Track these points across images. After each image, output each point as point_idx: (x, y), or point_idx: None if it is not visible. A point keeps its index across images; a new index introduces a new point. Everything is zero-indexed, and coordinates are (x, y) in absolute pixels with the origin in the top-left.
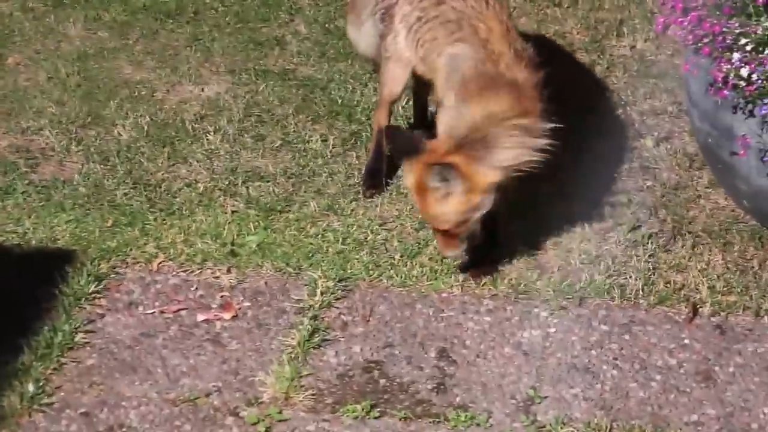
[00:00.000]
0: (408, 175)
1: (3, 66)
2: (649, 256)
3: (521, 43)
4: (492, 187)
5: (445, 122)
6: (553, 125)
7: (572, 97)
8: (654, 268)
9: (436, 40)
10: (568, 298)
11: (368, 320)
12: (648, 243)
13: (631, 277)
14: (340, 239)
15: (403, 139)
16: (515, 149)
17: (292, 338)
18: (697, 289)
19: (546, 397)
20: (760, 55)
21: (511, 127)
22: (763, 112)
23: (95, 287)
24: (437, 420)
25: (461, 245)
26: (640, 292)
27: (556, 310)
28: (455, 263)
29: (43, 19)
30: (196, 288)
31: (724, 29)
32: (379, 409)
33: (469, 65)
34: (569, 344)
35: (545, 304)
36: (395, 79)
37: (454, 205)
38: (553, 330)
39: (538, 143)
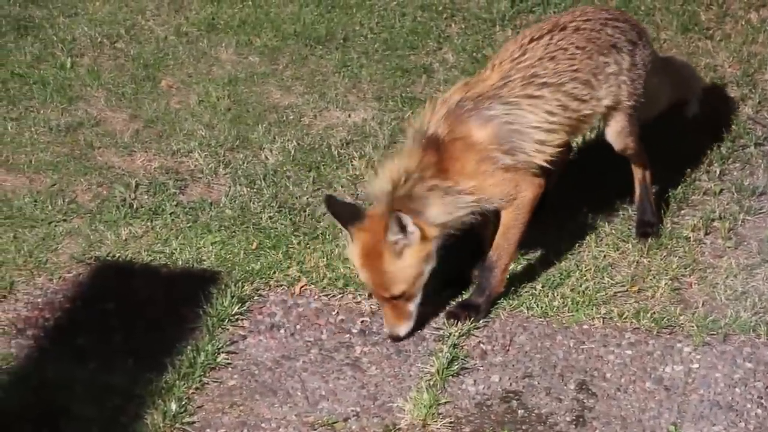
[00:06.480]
0: (354, 242)
1: (156, 88)
2: None
3: (489, 102)
4: (437, 239)
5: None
6: (471, 185)
7: (722, 130)
8: None
9: None
10: (712, 334)
11: (508, 350)
12: None
13: None
14: None
15: (344, 206)
16: (440, 207)
17: (431, 365)
18: None
19: None
20: None
21: (429, 186)
22: None
23: (238, 309)
24: None
25: (413, 317)
26: None
27: (700, 346)
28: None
29: (197, 43)
30: (337, 312)
31: None
32: None
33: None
34: (712, 381)
35: (688, 339)
36: None
37: (412, 255)
38: (695, 366)
39: (459, 202)
